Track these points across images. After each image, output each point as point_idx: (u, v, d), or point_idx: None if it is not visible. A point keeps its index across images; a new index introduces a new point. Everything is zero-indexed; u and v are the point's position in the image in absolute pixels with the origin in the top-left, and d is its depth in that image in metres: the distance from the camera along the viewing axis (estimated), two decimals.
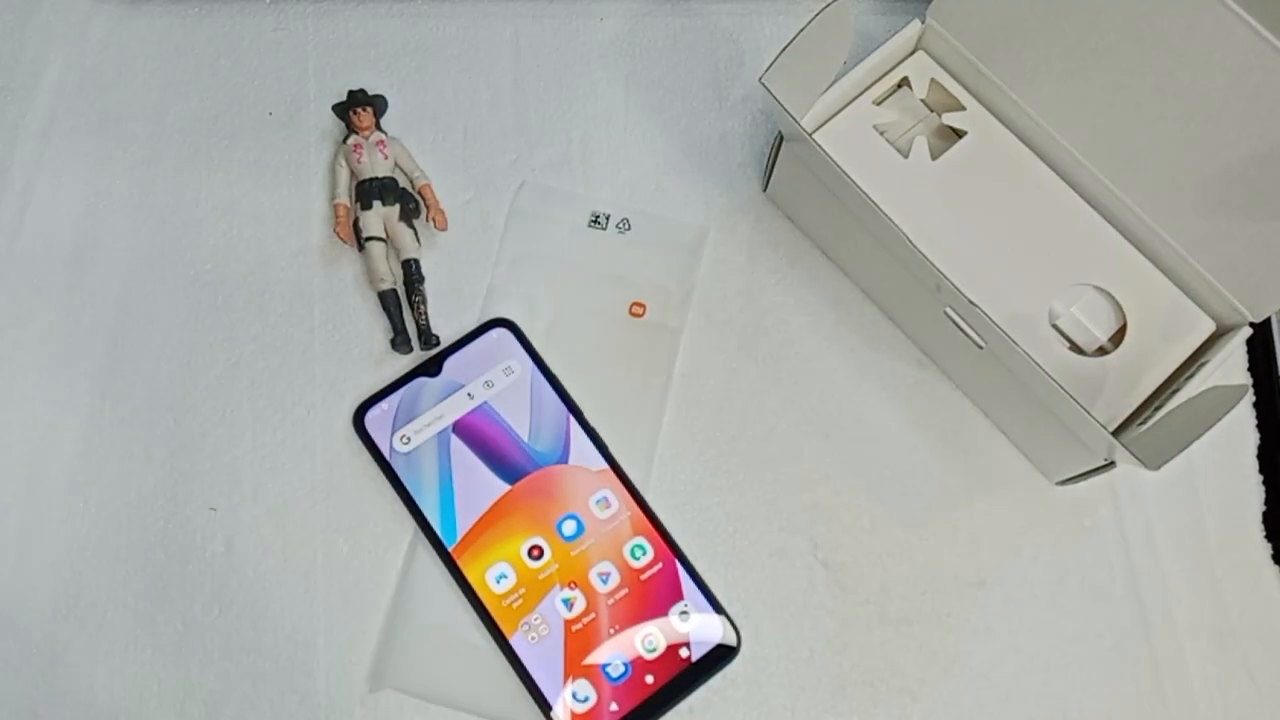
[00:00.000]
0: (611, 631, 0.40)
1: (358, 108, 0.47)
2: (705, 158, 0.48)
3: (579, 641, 0.40)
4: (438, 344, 0.44)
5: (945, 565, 0.42)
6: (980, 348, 0.39)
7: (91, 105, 0.49)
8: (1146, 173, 0.41)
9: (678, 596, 0.41)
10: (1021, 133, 0.44)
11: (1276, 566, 0.43)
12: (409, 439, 0.42)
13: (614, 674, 0.39)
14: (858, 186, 0.38)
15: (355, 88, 0.48)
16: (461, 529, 0.41)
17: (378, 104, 0.48)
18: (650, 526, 0.41)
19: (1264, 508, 0.44)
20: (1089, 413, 0.35)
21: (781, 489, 0.43)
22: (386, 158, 0.46)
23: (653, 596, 0.40)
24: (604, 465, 0.42)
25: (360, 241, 0.45)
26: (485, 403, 0.43)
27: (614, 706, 0.39)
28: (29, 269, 0.46)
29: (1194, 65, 0.38)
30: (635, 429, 0.44)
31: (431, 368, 0.44)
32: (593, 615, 0.40)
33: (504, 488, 0.42)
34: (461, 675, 0.40)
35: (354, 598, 0.41)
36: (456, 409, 0.43)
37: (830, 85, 0.43)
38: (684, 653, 0.40)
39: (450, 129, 0.49)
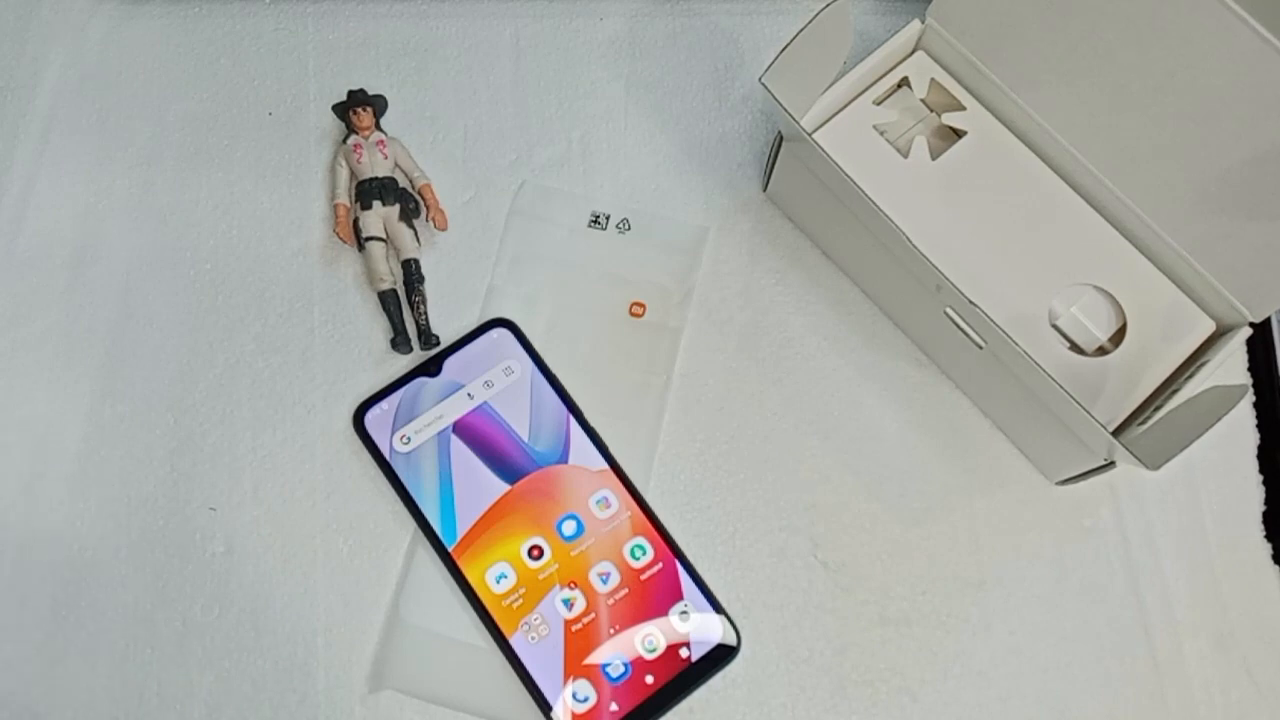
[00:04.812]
0: (611, 631, 0.40)
1: (357, 108, 0.47)
2: (705, 158, 0.48)
3: (579, 641, 0.40)
4: (438, 344, 0.44)
5: (945, 565, 0.42)
6: (980, 348, 0.39)
7: (91, 105, 0.49)
8: (1146, 173, 0.41)
9: (678, 596, 0.41)
10: (1021, 133, 0.44)
11: (1276, 566, 0.43)
12: (409, 439, 0.42)
13: (614, 674, 0.39)
14: (858, 186, 0.38)
15: (355, 88, 0.48)
16: (461, 529, 0.41)
17: (377, 104, 0.48)
18: (650, 526, 0.41)
19: (1264, 508, 0.44)
20: (1089, 413, 0.35)
21: (781, 489, 0.43)
22: (386, 158, 0.46)
23: (653, 596, 0.40)
24: (604, 465, 0.42)
25: (360, 241, 0.45)
26: (485, 403, 0.43)
27: (614, 706, 0.39)
28: (29, 269, 0.46)
29: (1194, 65, 0.38)
30: (635, 429, 0.44)
31: (431, 368, 0.44)
32: (593, 615, 0.40)
33: (504, 488, 0.42)
34: (461, 675, 0.40)
35: (354, 598, 0.41)
36: (456, 409, 0.43)
37: (830, 85, 0.43)
38: (684, 653, 0.40)
39: (450, 129, 0.49)
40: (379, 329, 0.45)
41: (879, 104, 0.45)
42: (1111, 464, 0.38)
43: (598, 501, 0.42)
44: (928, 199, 0.43)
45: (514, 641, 0.40)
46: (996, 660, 0.41)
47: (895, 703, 0.41)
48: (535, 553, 0.41)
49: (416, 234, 0.46)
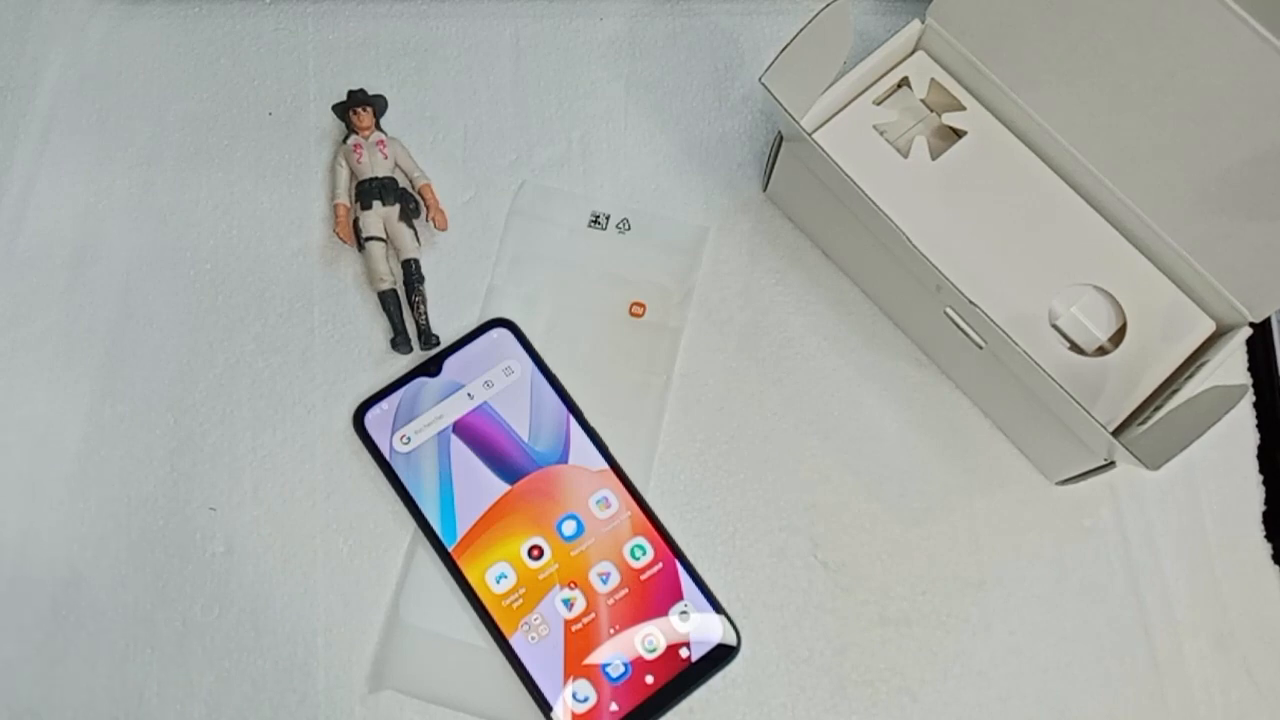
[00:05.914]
0: (611, 631, 0.40)
1: (357, 108, 0.47)
2: (705, 158, 0.48)
3: (579, 641, 0.40)
4: (438, 344, 0.44)
5: (945, 565, 0.42)
6: (980, 348, 0.39)
7: (91, 105, 0.49)
8: (1146, 173, 0.41)
9: (678, 596, 0.41)
10: (1021, 133, 0.44)
11: (1276, 566, 0.43)
12: (409, 439, 0.42)
13: (614, 674, 0.39)
14: (858, 186, 0.38)
15: (355, 88, 0.48)
16: (461, 529, 0.41)
17: (377, 104, 0.48)
18: (650, 526, 0.41)
19: (1264, 508, 0.44)
20: (1089, 413, 0.35)
21: (781, 489, 0.43)
22: (386, 158, 0.46)
23: (653, 596, 0.40)
24: (604, 465, 0.42)
25: (360, 241, 0.45)
26: (485, 403, 0.43)
27: (614, 706, 0.39)
28: (29, 269, 0.46)
29: (1194, 65, 0.38)
30: (635, 429, 0.44)
31: (431, 368, 0.44)
32: (593, 615, 0.40)
33: (504, 488, 0.42)
34: (461, 675, 0.40)
35: (354, 598, 0.41)
36: (456, 409, 0.43)
37: (830, 85, 0.43)
38: (684, 653, 0.40)
39: (450, 129, 0.49)
40: (379, 329, 0.45)
41: (879, 104, 0.45)
42: (1111, 464, 0.38)
43: (598, 501, 0.42)
44: (928, 199, 0.43)
45: (514, 641, 0.40)
46: (996, 660, 0.41)
47: (895, 703, 0.41)
48: (535, 553, 0.41)
49: (416, 234, 0.46)
